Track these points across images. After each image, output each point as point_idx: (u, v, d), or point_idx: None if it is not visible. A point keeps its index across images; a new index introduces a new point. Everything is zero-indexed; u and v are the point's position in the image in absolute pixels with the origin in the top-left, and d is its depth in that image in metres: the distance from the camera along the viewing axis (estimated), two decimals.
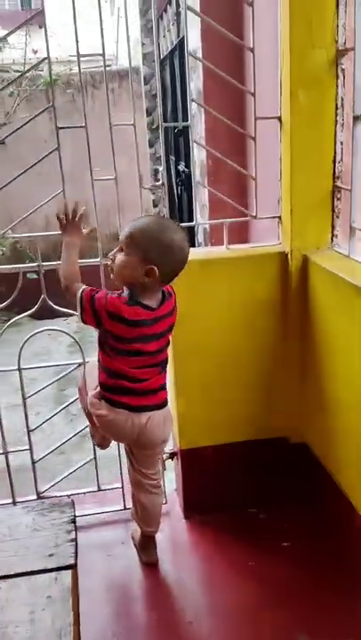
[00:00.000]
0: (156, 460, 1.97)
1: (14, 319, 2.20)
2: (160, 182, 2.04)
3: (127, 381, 1.75)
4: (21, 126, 2.00)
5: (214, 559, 2.10)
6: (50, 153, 1.93)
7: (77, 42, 1.88)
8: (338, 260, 1.94)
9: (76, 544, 1.20)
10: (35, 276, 2.19)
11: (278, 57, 1.95)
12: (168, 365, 2.15)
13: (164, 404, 1.83)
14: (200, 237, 3.45)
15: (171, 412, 1.91)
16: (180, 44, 5.12)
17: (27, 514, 1.30)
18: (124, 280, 1.67)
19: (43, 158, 1.93)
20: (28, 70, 6.68)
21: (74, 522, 1.26)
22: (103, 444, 2.07)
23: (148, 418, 1.79)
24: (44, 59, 1.91)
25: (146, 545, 2.07)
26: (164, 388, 1.83)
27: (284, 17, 1.85)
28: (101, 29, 1.90)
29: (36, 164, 1.92)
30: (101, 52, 1.93)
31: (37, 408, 2.26)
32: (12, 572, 1.12)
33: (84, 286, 1.69)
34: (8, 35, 2.18)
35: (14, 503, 2.23)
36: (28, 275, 2.17)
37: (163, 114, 7.25)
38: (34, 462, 2.22)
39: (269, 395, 2.19)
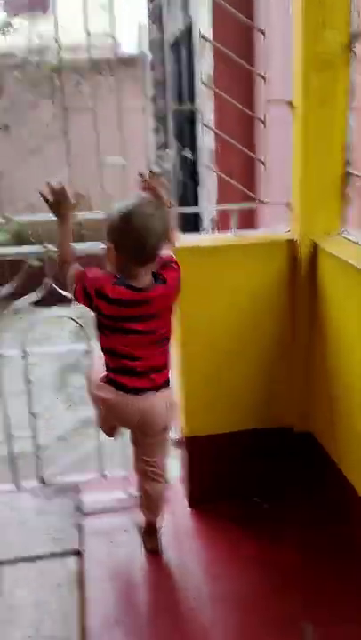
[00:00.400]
0: (159, 448, 1.96)
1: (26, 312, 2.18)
2: (169, 165, 2.00)
3: (124, 359, 1.75)
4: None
5: (218, 547, 2.09)
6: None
7: (88, 33, 1.86)
8: (347, 246, 1.92)
9: (82, 529, 1.19)
10: (36, 263, 2.18)
11: (289, 40, 1.92)
12: (173, 353, 2.14)
13: (163, 386, 1.81)
14: (205, 223, 3.43)
15: (175, 399, 1.90)
16: (188, 30, 5.07)
17: (32, 498, 1.29)
18: (111, 266, 1.70)
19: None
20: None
21: (79, 507, 1.25)
22: (111, 433, 2.05)
23: (149, 403, 1.78)
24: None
25: (150, 532, 2.06)
26: (164, 368, 1.81)
27: None
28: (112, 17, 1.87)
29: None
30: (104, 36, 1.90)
31: (40, 395, 2.24)
32: (19, 557, 1.11)
33: (76, 265, 1.72)
34: None
35: (17, 488, 2.22)
36: (29, 259, 2.16)
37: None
38: (38, 448, 2.20)
39: (275, 383, 2.18)
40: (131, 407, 1.78)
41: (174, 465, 2.38)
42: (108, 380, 1.81)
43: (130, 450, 2.00)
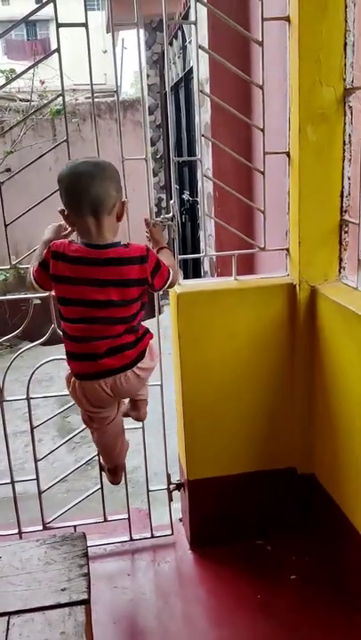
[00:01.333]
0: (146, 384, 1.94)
1: (27, 348, 2.21)
2: (171, 215, 2.06)
3: (70, 340, 1.71)
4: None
5: (221, 592, 2.08)
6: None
7: (91, 76, 1.93)
8: (346, 292, 1.96)
9: (89, 578, 1.19)
10: (38, 301, 2.21)
11: (285, 93, 2.00)
12: (176, 395, 2.17)
13: (114, 371, 1.71)
14: (206, 266, 3.48)
15: (142, 369, 1.78)
16: (186, 77, 5.22)
17: (39, 547, 1.29)
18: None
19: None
20: (46, 104, 6.81)
21: (86, 555, 1.25)
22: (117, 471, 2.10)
23: (113, 382, 1.71)
24: (59, 95, 1.95)
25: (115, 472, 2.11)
26: (114, 352, 1.70)
27: (293, 55, 1.90)
28: (115, 67, 1.95)
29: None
30: (103, 81, 1.97)
31: (39, 435, 2.25)
32: (27, 607, 1.11)
33: None
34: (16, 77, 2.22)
35: (20, 534, 2.22)
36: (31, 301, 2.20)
37: (167, 145, 7.39)
38: (40, 492, 2.21)
39: (277, 425, 2.20)
40: (99, 391, 1.73)
41: (175, 507, 2.39)
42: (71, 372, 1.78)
43: (131, 491, 2.01)
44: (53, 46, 1.97)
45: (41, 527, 2.24)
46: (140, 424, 2.23)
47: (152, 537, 2.32)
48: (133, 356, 1.72)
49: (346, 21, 1.86)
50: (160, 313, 2.18)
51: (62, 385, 5.57)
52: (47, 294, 2.09)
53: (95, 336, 1.67)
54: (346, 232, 2.01)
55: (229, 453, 2.20)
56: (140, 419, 2.04)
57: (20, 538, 2.22)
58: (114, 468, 2.12)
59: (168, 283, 1.76)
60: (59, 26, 1.84)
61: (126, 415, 2.02)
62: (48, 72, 2.03)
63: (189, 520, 2.26)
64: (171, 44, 5.68)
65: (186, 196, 5.42)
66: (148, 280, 1.69)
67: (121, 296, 1.65)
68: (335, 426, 1.99)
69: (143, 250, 1.67)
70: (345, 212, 2.00)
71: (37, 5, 1.91)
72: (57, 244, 1.66)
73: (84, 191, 1.59)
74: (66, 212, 1.66)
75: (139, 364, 1.74)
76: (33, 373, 2.17)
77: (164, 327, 2.13)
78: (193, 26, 2.00)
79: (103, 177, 1.61)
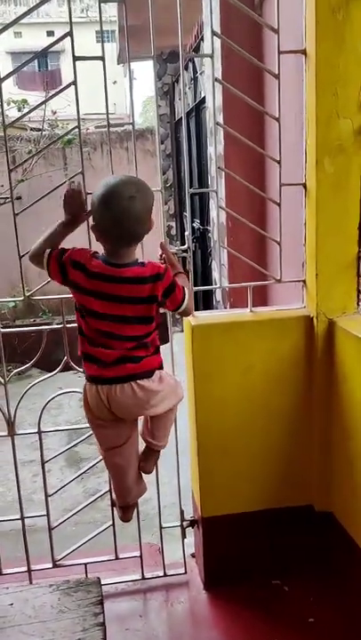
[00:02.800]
0: (166, 431, 1.91)
1: (39, 380, 2.18)
2: (186, 246, 2.04)
3: (85, 341, 1.72)
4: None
5: (237, 635, 2.01)
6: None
7: (107, 108, 1.93)
8: None
9: (105, 629, 1.14)
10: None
11: (300, 125, 1.99)
12: (189, 429, 2.12)
13: (129, 377, 1.71)
14: (218, 296, 3.46)
15: (158, 387, 1.76)
16: (197, 107, 5.27)
17: (52, 593, 1.24)
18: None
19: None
20: (62, 137, 6.88)
21: (101, 603, 1.20)
22: (127, 511, 2.02)
23: (108, 389, 1.71)
24: (75, 127, 1.95)
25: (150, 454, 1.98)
26: (118, 362, 1.70)
27: (310, 88, 1.90)
28: (132, 98, 1.95)
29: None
30: (113, 111, 1.97)
31: (48, 465, 2.22)
32: None
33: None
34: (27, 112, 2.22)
35: (29, 571, 2.16)
36: (40, 327, 2.18)
37: (178, 173, 7.42)
38: (50, 529, 2.15)
39: (293, 461, 2.14)
40: (94, 393, 1.73)
41: (187, 541, 2.32)
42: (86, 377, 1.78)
43: (144, 526, 1.95)
44: (64, 77, 2.00)
45: (51, 565, 2.18)
46: None
47: (165, 575, 2.26)
48: (136, 370, 1.71)
49: None
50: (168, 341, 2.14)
51: (72, 414, 5.56)
52: (60, 326, 2.08)
53: (106, 345, 1.69)
54: None
55: (245, 490, 2.14)
56: (145, 470, 1.97)
57: (30, 576, 2.16)
58: (122, 507, 2.02)
59: (183, 306, 1.74)
60: (75, 59, 1.84)
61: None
62: (59, 102, 2.06)
63: (203, 558, 2.19)
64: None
65: (196, 225, 5.42)
66: (157, 298, 1.68)
67: (133, 313, 1.67)
68: (354, 462, 1.93)
69: (161, 269, 1.69)
70: None
71: (54, 39, 1.93)
72: (79, 253, 1.67)
73: (122, 226, 1.61)
74: (98, 228, 1.64)
75: (140, 381, 1.71)
76: (44, 407, 2.13)
77: (174, 353, 2.10)
78: (206, 58, 2.00)
79: (142, 209, 1.62)
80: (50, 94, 2.16)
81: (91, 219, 1.68)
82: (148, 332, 1.71)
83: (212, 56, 1.98)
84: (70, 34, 1.84)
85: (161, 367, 1.79)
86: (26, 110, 7.26)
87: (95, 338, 1.69)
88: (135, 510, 2.13)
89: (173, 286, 1.70)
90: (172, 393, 1.82)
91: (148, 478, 2.26)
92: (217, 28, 2.66)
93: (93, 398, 1.74)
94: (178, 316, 1.94)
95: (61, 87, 2.00)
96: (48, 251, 1.69)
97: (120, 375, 1.70)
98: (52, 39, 1.99)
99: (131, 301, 1.66)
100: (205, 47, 2.66)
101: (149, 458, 1.94)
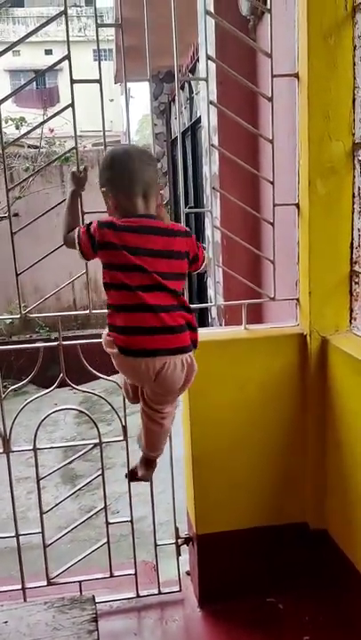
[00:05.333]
0: (172, 400, 1.82)
1: (36, 397, 2.19)
2: None
3: (134, 312, 1.59)
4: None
5: None
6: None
7: (104, 129, 1.96)
8: (357, 343, 1.95)
9: None
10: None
11: (293, 147, 2.03)
12: (184, 446, 2.13)
13: (184, 349, 1.63)
14: (213, 313, 3.48)
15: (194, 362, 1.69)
16: (192, 127, 5.34)
17: (46, 610, 1.25)
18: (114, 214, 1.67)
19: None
20: (59, 157, 6.91)
21: (95, 620, 1.21)
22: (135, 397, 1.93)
23: (163, 363, 1.61)
24: (72, 148, 1.98)
25: (146, 464, 1.92)
26: (184, 329, 1.63)
27: (302, 111, 1.94)
28: (127, 118, 1.98)
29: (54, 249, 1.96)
30: (109, 128, 2.01)
31: (42, 482, 2.22)
32: None
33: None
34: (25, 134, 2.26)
35: (23, 589, 2.15)
36: (36, 343, 2.19)
37: (174, 191, 7.51)
38: (45, 547, 2.15)
39: (288, 479, 2.15)
40: (142, 367, 1.61)
41: (183, 559, 2.32)
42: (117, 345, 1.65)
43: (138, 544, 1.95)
44: (62, 95, 2.03)
45: (45, 582, 2.18)
46: None
47: (159, 593, 2.25)
48: (190, 339, 1.65)
49: (355, 78, 1.90)
50: None
51: (67, 430, 5.56)
52: (56, 343, 2.10)
53: (158, 304, 1.58)
54: (356, 283, 2.01)
55: (239, 507, 2.14)
56: (145, 478, 1.94)
57: (24, 594, 2.15)
58: (151, 460, 1.92)
59: (205, 264, 1.76)
60: (73, 82, 1.88)
61: (134, 473, 1.95)
62: (57, 120, 2.10)
63: (198, 576, 2.19)
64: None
65: None
66: (188, 254, 1.67)
67: (172, 268, 1.63)
68: (348, 480, 1.94)
69: (187, 229, 1.71)
70: (355, 262, 2.01)
71: (52, 58, 1.99)
72: (102, 220, 1.63)
73: (137, 172, 1.62)
74: (111, 194, 1.64)
75: (187, 355, 1.64)
76: (40, 424, 2.14)
77: None
78: (202, 81, 2.05)
79: (151, 163, 1.68)
80: (47, 112, 2.20)
81: (105, 194, 1.66)
82: (182, 291, 1.67)
83: (206, 79, 2.02)
84: (68, 57, 1.88)
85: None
86: (24, 128, 7.33)
87: (145, 301, 1.57)
88: (131, 527, 2.13)
89: (197, 243, 1.71)
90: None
91: (144, 496, 2.27)
92: (212, 52, 2.72)
93: (137, 370, 1.62)
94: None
95: (60, 110, 2.04)
96: (77, 229, 1.66)
97: (178, 346, 1.61)
98: (50, 57, 2.05)
99: (167, 255, 1.62)
100: (201, 70, 2.70)
101: (147, 467, 1.91)
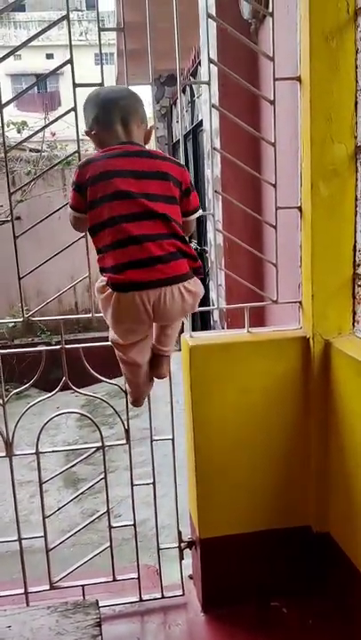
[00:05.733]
0: (175, 335, 1.83)
1: (38, 401, 2.19)
2: None
3: (121, 247, 1.51)
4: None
5: None
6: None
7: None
8: (360, 345, 1.94)
9: None
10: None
11: (295, 149, 2.03)
12: (187, 450, 2.13)
13: (178, 278, 1.56)
14: (215, 316, 3.48)
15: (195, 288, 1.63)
16: (194, 130, 5.34)
17: (50, 615, 1.24)
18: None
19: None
20: (61, 161, 6.91)
21: (99, 625, 1.20)
22: (138, 400, 1.99)
23: (158, 295, 1.54)
24: (75, 152, 1.98)
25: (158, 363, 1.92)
26: (176, 256, 1.55)
27: (304, 114, 1.94)
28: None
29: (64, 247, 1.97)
30: None
31: (45, 486, 2.22)
32: None
33: None
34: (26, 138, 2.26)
35: (26, 594, 2.15)
36: (38, 346, 2.19)
37: None
38: (48, 551, 2.14)
39: (290, 482, 2.14)
40: (137, 301, 1.54)
41: (185, 563, 2.31)
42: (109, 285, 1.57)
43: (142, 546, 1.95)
44: (63, 98, 2.03)
45: (48, 587, 2.17)
46: (149, 479, 2.19)
47: (162, 597, 2.24)
48: (186, 268, 1.58)
49: (356, 81, 1.90)
50: None
51: (69, 434, 5.57)
52: (59, 347, 2.10)
53: (147, 237, 1.51)
54: (359, 285, 2.01)
55: (243, 511, 2.14)
56: (160, 376, 1.91)
57: (27, 598, 2.14)
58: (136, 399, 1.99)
59: (197, 213, 1.70)
60: (75, 86, 1.88)
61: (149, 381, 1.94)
62: (59, 123, 2.09)
63: (201, 580, 2.18)
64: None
65: (194, 245, 5.46)
66: (181, 185, 1.60)
67: (162, 190, 1.55)
68: (351, 483, 1.94)
69: (180, 161, 1.68)
70: (358, 265, 2.00)
71: (53, 62, 2.01)
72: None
73: (115, 102, 1.62)
74: (94, 130, 1.65)
75: (190, 281, 1.59)
76: (42, 428, 2.13)
77: (171, 373, 2.12)
78: (204, 84, 2.05)
79: (132, 95, 1.67)
80: (49, 116, 2.20)
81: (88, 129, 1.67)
82: (179, 219, 1.58)
83: (208, 83, 2.03)
84: (70, 61, 1.88)
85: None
86: (25, 132, 7.36)
87: (134, 231, 1.51)
88: (134, 531, 2.12)
89: (193, 187, 1.66)
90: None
91: (146, 499, 2.27)
92: (213, 55, 2.73)
93: (131, 307, 1.54)
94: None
95: (62, 114, 2.04)
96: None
97: (170, 275, 1.54)
98: (51, 61, 2.06)
99: (157, 177, 1.55)
100: (202, 73, 2.70)
101: (161, 363, 1.89)
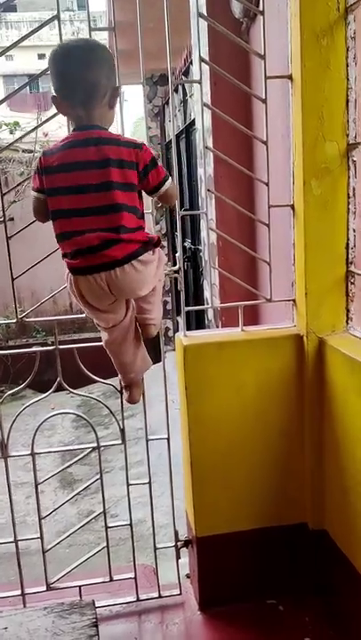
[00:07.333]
0: (156, 302, 1.86)
1: (33, 402, 2.18)
2: (177, 267, 2.07)
3: (66, 238, 1.59)
4: None
5: None
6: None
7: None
8: (354, 343, 1.95)
9: None
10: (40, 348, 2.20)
11: (288, 147, 2.03)
12: (183, 449, 2.13)
13: (126, 259, 1.61)
14: (210, 315, 3.48)
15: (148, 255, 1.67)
16: (187, 129, 5.34)
17: (46, 616, 1.24)
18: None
19: None
20: None
21: (95, 625, 1.20)
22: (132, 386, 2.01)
23: (109, 274, 1.60)
24: None
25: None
26: (111, 243, 1.58)
27: (296, 112, 1.94)
28: (122, 121, 1.99)
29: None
30: None
31: (41, 487, 2.22)
32: None
33: None
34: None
35: (23, 595, 2.14)
36: (33, 347, 2.19)
37: None
38: (44, 552, 2.14)
39: (286, 480, 2.15)
40: (92, 282, 1.62)
41: (182, 562, 2.32)
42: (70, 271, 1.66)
43: (138, 546, 1.95)
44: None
45: (44, 588, 2.17)
46: (145, 479, 2.19)
47: (160, 597, 2.25)
48: (133, 248, 1.61)
49: (348, 79, 1.90)
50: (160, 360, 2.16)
51: (65, 434, 5.56)
52: (53, 347, 2.09)
53: (94, 227, 1.56)
54: (352, 283, 2.01)
55: (239, 509, 2.14)
56: (148, 336, 1.92)
57: (24, 600, 2.14)
58: (127, 385, 1.99)
59: (165, 185, 1.67)
60: None
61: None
62: (51, 124, 2.09)
63: (198, 579, 2.18)
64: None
65: (187, 244, 5.46)
66: (137, 165, 1.57)
67: (117, 178, 1.55)
68: (346, 480, 1.94)
69: (137, 141, 1.61)
70: (351, 263, 2.01)
71: (46, 62, 1.97)
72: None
73: (73, 79, 1.54)
74: (57, 102, 1.59)
75: (141, 257, 1.63)
76: (37, 429, 2.13)
77: (166, 372, 2.12)
78: (196, 83, 2.05)
79: (94, 62, 1.55)
80: (41, 116, 2.19)
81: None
82: (129, 205, 1.59)
83: (200, 82, 2.03)
84: None
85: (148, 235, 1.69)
86: (18, 132, 7.33)
87: (77, 226, 1.57)
88: (131, 531, 2.12)
89: (155, 162, 1.63)
90: (162, 259, 1.77)
91: (143, 499, 2.27)
92: (205, 54, 2.73)
93: (91, 289, 1.64)
94: (159, 204, 1.82)
95: (54, 114, 2.03)
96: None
97: (118, 258, 1.59)
98: (43, 61, 2.04)
99: (101, 165, 1.54)
100: (194, 72, 2.69)
101: (148, 330, 1.90)
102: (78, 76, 1.54)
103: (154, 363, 2.00)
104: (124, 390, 2.04)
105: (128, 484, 2.18)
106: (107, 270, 1.60)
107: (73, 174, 1.56)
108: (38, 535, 2.15)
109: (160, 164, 1.69)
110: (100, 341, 1.91)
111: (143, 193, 1.69)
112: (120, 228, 1.58)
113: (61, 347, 2.10)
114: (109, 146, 1.56)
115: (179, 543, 2.27)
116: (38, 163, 1.61)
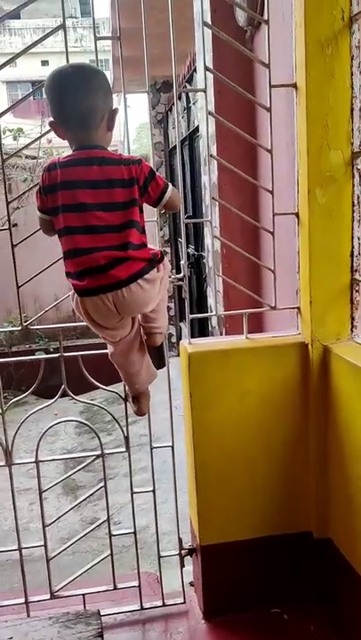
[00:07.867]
0: (161, 311, 1.86)
1: (37, 409, 2.18)
2: (181, 274, 2.08)
3: (70, 257, 1.61)
4: None
5: None
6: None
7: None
8: (359, 351, 1.94)
9: None
10: (44, 354, 2.20)
11: (292, 155, 2.04)
12: (187, 456, 2.13)
13: (132, 278, 1.61)
14: (213, 322, 3.48)
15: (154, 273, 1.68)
16: (190, 136, 5.35)
17: (51, 625, 1.24)
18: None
19: None
20: None
21: (101, 635, 1.20)
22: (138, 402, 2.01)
23: (115, 294, 1.61)
24: None
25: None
26: (117, 263, 1.59)
27: (300, 120, 1.94)
28: (126, 128, 1.99)
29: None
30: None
31: (44, 494, 2.21)
32: None
33: None
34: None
35: (27, 603, 2.14)
36: (36, 353, 2.19)
37: None
38: (48, 560, 2.14)
39: (291, 488, 2.14)
40: (99, 303, 1.63)
41: (186, 570, 2.31)
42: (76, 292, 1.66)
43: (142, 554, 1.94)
44: None
45: (48, 596, 2.16)
46: (148, 486, 2.18)
47: (163, 605, 2.24)
48: (138, 267, 1.62)
49: (352, 88, 1.90)
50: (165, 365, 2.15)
51: (68, 441, 5.56)
52: (57, 355, 2.10)
53: (99, 247, 1.57)
54: (357, 291, 2.01)
55: (243, 517, 2.14)
56: (154, 344, 1.92)
57: (27, 608, 2.14)
58: (135, 397, 2.00)
59: (166, 194, 1.68)
60: None
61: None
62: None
63: (202, 587, 2.18)
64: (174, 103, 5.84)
65: (191, 251, 5.47)
66: (137, 181, 1.60)
67: (119, 197, 1.58)
68: (351, 488, 1.94)
69: (135, 157, 1.63)
70: (355, 271, 2.01)
71: (48, 69, 1.98)
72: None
73: (69, 107, 1.56)
74: (55, 127, 1.61)
75: (146, 276, 1.64)
76: (42, 437, 2.13)
77: (170, 378, 2.12)
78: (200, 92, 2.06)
79: (89, 88, 1.57)
80: (45, 122, 2.20)
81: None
82: (130, 221, 1.60)
83: (205, 90, 2.03)
84: None
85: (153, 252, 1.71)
86: (22, 139, 7.34)
87: (83, 244, 1.58)
88: (135, 538, 2.12)
89: (153, 174, 1.65)
90: (167, 267, 1.78)
91: (146, 505, 2.26)
92: (209, 63, 2.73)
93: (97, 309, 1.64)
94: (162, 210, 1.83)
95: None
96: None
97: (124, 278, 1.60)
98: (46, 68, 2.06)
99: (104, 185, 1.56)
100: (198, 81, 2.70)
101: (154, 340, 1.91)
102: (75, 103, 1.56)
103: (159, 368, 2.00)
104: (132, 403, 2.04)
105: (132, 492, 2.18)
106: (113, 290, 1.61)
107: (75, 192, 1.57)
108: (42, 543, 2.14)
109: (158, 173, 1.70)
110: (104, 348, 1.91)
111: (144, 205, 1.70)
112: (128, 244, 1.60)
113: (66, 354, 2.11)
114: (112, 166, 1.59)
115: (183, 551, 2.26)
116: (41, 181, 1.63)
